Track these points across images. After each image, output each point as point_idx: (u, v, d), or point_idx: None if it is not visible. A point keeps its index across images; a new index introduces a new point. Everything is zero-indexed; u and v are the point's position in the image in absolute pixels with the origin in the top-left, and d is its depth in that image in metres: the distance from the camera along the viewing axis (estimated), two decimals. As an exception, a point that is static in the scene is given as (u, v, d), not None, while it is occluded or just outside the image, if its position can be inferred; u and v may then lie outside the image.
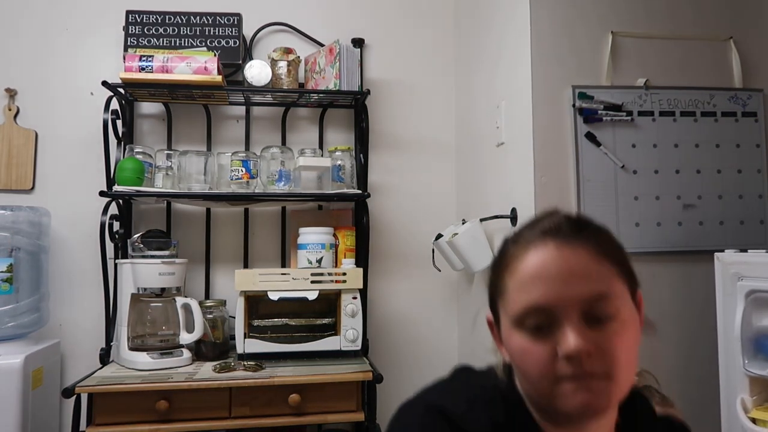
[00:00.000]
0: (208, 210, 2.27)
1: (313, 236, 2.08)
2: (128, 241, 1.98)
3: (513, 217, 1.79)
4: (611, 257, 0.69)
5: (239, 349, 1.88)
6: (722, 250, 1.53)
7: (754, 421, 1.41)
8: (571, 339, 0.63)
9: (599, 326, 0.65)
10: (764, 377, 1.42)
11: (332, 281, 1.92)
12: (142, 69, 2.01)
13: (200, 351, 1.95)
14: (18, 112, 2.19)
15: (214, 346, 1.96)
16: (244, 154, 2.10)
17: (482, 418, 0.70)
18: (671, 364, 1.67)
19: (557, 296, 0.65)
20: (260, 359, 1.86)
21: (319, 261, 2.05)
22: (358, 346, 1.94)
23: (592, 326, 0.65)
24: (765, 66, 1.83)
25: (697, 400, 1.60)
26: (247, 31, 2.31)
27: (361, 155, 2.21)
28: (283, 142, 2.32)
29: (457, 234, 1.88)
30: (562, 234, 0.69)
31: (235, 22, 2.23)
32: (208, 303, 2.04)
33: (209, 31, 2.21)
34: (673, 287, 1.72)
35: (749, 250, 1.50)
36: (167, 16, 2.19)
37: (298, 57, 2.22)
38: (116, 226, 2.10)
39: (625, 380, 0.66)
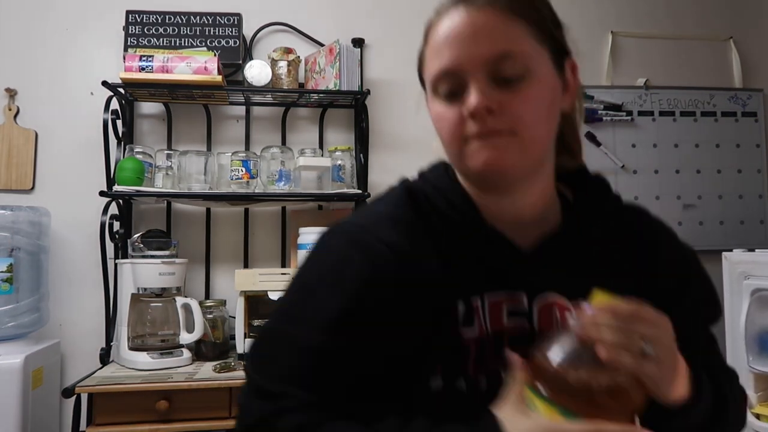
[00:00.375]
0: (208, 210, 2.27)
1: (313, 236, 2.07)
2: (128, 241, 1.98)
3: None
4: (526, 18, 0.67)
5: (239, 349, 1.88)
6: (723, 250, 1.53)
7: (758, 416, 1.42)
8: (472, 97, 0.64)
9: (507, 86, 0.65)
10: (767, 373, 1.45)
11: (332, 281, 1.92)
12: (142, 69, 2.01)
13: (200, 351, 1.95)
14: (18, 112, 2.19)
15: (214, 346, 1.96)
16: (244, 154, 2.10)
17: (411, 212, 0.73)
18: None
19: (462, 58, 0.65)
20: (260, 359, 1.86)
21: (319, 261, 2.05)
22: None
23: (501, 86, 0.65)
24: (765, 66, 1.83)
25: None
26: (247, 31, 2.31)
27: (361, 155, 2.21)
28: (283, 142, 2.31)
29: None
30: None
31: (235, 22, 2.23)
32: (208, 303, 2.04)
33: (209, 31, 2.21)
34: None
35: (756, 250, 1.51)
36: (167, 16, 2.19)
37: (298, 57, 2.22)
38: (116, 226, 2.10)
39: (532, 137, 0.66)
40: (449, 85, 0.67)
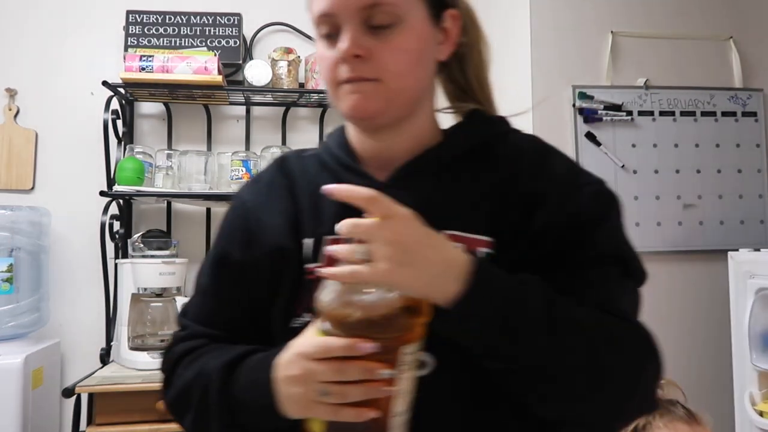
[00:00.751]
0: (209, 210, 2.27)
1: (313, 236, 2.08)
2: (128, 240, 1.98)
3: (513, 216, 1.79)
4: None
5: (239, 349, 1.88)
6: (723, 250, 1.54)
7: (761, 414, 1.44)
8: (342, 42, 0.67)
9: (377, 33, 0.67)
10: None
11: (332, 281, 1.92)
12: (142, 69, 2.01)
13: (200, 351, 1.95)
14: (18, 111, 2.19)
15: (215, 346, 1.96)
16: (244, 154, 2.10)
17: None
18: (670, 359, 1.66)
19: (337, 3, 0.67)
20: (260, 359, 1.86)
21: (320, 261, 2.05)
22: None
23: (372, 33, 0.67)
24: (765, 66, 1.83)
25: (698, 396, 1.60)
26: (247, 31, 2.31)
27: (362, 155, 2.21)
28: (284, 142, 2.31)
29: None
30: None
31: (236, 22, 2.23)
32: (209, 303, 2.04)
33: (209, 31, 2.21)
34: (674, 286, 1.72)
35: (762, 250, 1.52)
36: (167, 16, 2.19)
37: (299, 57, 2.22)
38: (116, 225, 2.10)
39: (398, 85, 0.68)
40: (328, 27, 0.69)
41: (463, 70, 0.80)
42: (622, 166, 1.71)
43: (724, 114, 1.79)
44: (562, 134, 1.69)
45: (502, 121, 0.79)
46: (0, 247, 1.89)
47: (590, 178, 0.73)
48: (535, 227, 0.67)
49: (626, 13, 1.75)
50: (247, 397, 0.65)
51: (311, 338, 0.61)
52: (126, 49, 2.14)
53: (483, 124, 0.78)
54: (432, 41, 0.72)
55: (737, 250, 1.56)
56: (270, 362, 0.63)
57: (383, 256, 0.56)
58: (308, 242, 0.72)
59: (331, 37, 0.69)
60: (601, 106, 1.70)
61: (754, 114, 1.80)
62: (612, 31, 1.72)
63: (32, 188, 2.19)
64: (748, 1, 1.83)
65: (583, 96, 1.70)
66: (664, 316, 1.68)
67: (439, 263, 0.58)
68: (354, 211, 0.62)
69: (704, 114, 1.78)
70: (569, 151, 1.68)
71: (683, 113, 1.77)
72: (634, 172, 1.72)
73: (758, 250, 1.54)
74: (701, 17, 1.80)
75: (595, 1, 1.74)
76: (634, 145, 1.73)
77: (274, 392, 0.62)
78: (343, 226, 0.58)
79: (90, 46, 2.26)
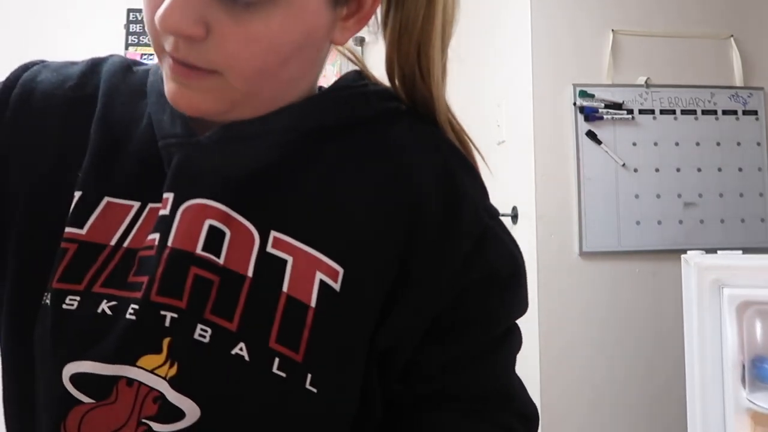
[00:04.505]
0: (209, 208, 2.27)
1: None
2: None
3: (514, 215, 1.79)
4: None
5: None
6: (723, 249, 1.53)
7: None
8: (165, 3, 0.39)
9: (233, 5, 0.40)
10: None
11: (333, 279, 1.92)
12: (143, 67, 2.01)
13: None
14: (19, 110, 2.20)
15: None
16: (244, 153, 2.10)
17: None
18: (670, 359, 1.67)
19: None
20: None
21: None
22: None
23: (224, 2, 0.40)
24: (766, 64, 1.83)
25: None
26: (248, 30, 2.31)
27: (362, 153, 2.21)
28: (284, 141, 2.31)
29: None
30: None
31: (236, 21, 2.23)
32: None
33: (210, 29, 2.21)
34: (674, 286, 1.72)
35: (719, 251, 1.30)
36: (168, 15, 2.20)
37: (299, 55, 2.22)
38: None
39: (249, 86, 0.44)
40: None
41: (397, 48, 0.55)
42: (623, 164, 1.71)
43: (724, 112, 1.79)
44: (562, 133, 1.69)
45: (393, 98, 0.55)
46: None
47: (493, 226, 0.53)
48: (410, 288, 0.47)
49: (627, 12, 1.75)
50: None
51: None
52: (127, 48, 2.15)
53: (367, 95, 0.53)
54: (323, 23, 0.45)
55: (716, 251, 1.35)
56: None
57: None
58: (76, 195, 0.48)
59: None
60: (602, 105, 1.70)
61: (754, 112, 1.80)
62: (613, 30, 1.72)
63: (33, 187, 2.19)
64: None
65: (583, 94, 1.70)
66: (665, 316, 1.68)
67: None
68: (155, 177, 0.47)
69: (705, 112, 1.78)
70: (570, 150, 1.68)
71: (684, 112, 1.77)
72: (635, 170, 1.72)
73: (714, 251, 1.26)
74: (702, 16, 1.80)
75: (595, 0, 1.74)
76: (634, 144, 1.73)
77: None
78: None
79: (91, 45, 2.26)
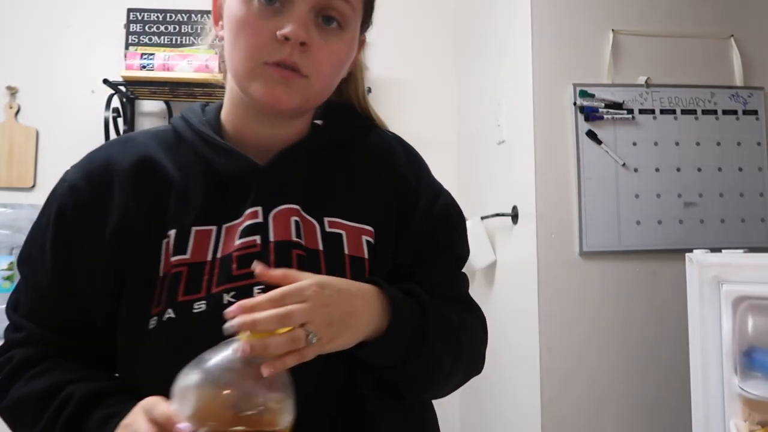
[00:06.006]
0: (209, 208, 2.27)
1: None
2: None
3: (514, 215, 1.79)
4: None
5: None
6: (723, 249, 1.52)
7: None
8: (295, 24, 0.63)
9: (322, 30, 0.66)
10: (763, 399, 1.17)
11: (333, 279, 1.92)
12: (143, 67, 2.01)
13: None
14: (19, 109, 2.20)
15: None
16: (245, 152, 2.10)
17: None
18: (671, 359, 1.67)
19: None
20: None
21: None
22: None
23: (317, 27, 0.66)
24: (766, 64, 1.83)
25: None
26: (248, 29, 2.31)
27: (362, 153, 2.21)
28: (284, 140, 2.32)
29: (457, 232, 1.88)
30: None
31: (236, 20, 2.23)
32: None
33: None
34: (675, 285, 1.72)
35: (723, 250, 1.35)
36: (168, 14, 2.19)
37: (299, 55, 2.22)
38: (117, 224, 2.10)
39: (321, 88, 0.69)
40: None
41: (353, 84, 0.82)
42: (623, 164, 1.70)
43: (725, 112, 1.79)
44: (562, 132, 1.69)
45: (369, 118, 0.84)
46: (1, 245, 1.90)
47: (441, 188, 0.83)
48: (406, 229, 0.75)
49: (627, 11, 1.75)
50: None
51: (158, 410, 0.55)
52: (127, 47, 2.15)
53: (354, 119, 0.81)
54: (353, 55, 0.74)
55: (720, 250, 1.40)
56: (117, 423, 0.59)
57: (323, 323, 0.57)
58: (171, 233, 0.67)
59: (273, 3, 0.64)
60: (602, 104, 1.70)
61: (755, 112, 1.80)
62: (613, 29, 1.72)
63: (33, 186, 2.19)
64: (749, -1, 1.83)
65: (583, 94, 1.69)
66: (666, 315, 1.68)
67: (365, 312, 0.63)
68: (223, 197, 0.69)
69: (705, 112, 1.78)
70: (570, 149, 1.68)
71: (684, 111, 1.76)
72: (635, 170, 1.72)
73: (718, 250, 1.34)
74: (702, 15, 1.80)
75: (596, 0, 1.74)
76: (635, 144, 1.73)
77: None
78: (278, 293, 0.56)
79: (91, 45, 2.26)
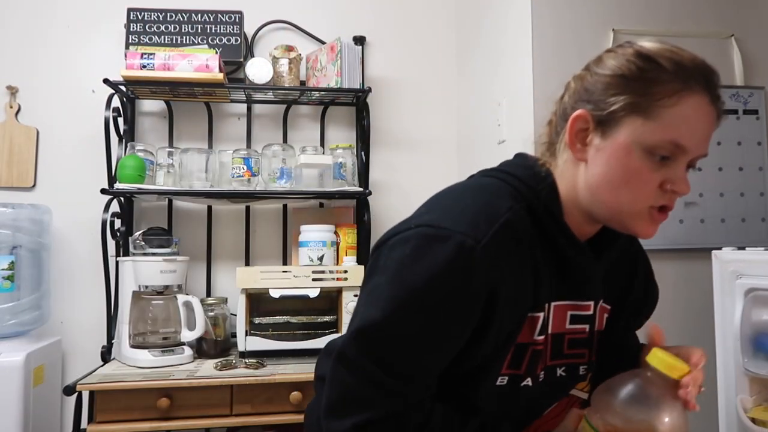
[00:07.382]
0: (210, 207, 2.27)
1: (314, 234, 2.08)
2: (129, 238, 1.99)
3: (514, 214, 1.79)
4: None
5: (240, 347, 1.88)
6: (721, 248, 1.53)
7: (753, 420, 1.40)
8: (685, 183, 0.77)
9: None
10: (763, 376, 1.40)
11: (333, 279, 1.93)
12: (143, 66, 2.01)
13: (201, 348, 1.95)
14: (19, 109, 2.20)
15: (216, 344, 1.96)
16: (245, 152, 2.10)
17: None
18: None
19: (697, 148, 0.76)
20: (261, 357, 1.86)
21: (321, 258, 2.05)
22: (359, 343, 1.93)
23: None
24: (766, 64, 1.83)
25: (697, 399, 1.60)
26: (249, 29, 2.31)
27: (363, 153, 2.21)
28: (285, 140, 2.32)
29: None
30: (713, 89, 0.80)
31: (237, 20, 2.23)
32: (210, 300, 2.04)
33: (211, 28, 2.21)
34: (675, 285, 1.72)
35: (747, 248, 1.50)
36: (168, 14, 2.19)
37: (300, 54, 2.22)
38: (117, 223, 2.10)
39: None
40: (668, 154, 0.76)
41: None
42: (624, 164, 1.71)
43: (725, 112, 1.79)
44: (563, 132, 1.68)
45: None
46: (1, 244, 1.90)
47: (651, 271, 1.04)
48: (626, 302, 0.96)
49: (627, 11, 1.75)
50: None
51: None
52: (127, 47, 2.14)
53: None
54: None
55: (720, 248, 1.52)
56: None
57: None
58: (543, 310, 0.83)
59: (661, 160, 0.76)
60: (603, 104, 1.70)
61: (755, 112, 1.80)
62: (613, 29, 1.72)
63: (33, 186, 2.19)
64: (749, -2, 1.83)
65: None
66: (666, 314, 1.68)
67: None
68: (564, 279, 0.84)
69: (706, 112, 1.78)
70: (570, 149, 1.68)
71: (685, 111, 1.77)
72: (636, 170, 1.72)
73: (743, 248, 1.51)
74: (702, 15, 1.80)
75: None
76: (635, 143, 1.73)
77: None
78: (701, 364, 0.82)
79: (91, 44, 2.26)
